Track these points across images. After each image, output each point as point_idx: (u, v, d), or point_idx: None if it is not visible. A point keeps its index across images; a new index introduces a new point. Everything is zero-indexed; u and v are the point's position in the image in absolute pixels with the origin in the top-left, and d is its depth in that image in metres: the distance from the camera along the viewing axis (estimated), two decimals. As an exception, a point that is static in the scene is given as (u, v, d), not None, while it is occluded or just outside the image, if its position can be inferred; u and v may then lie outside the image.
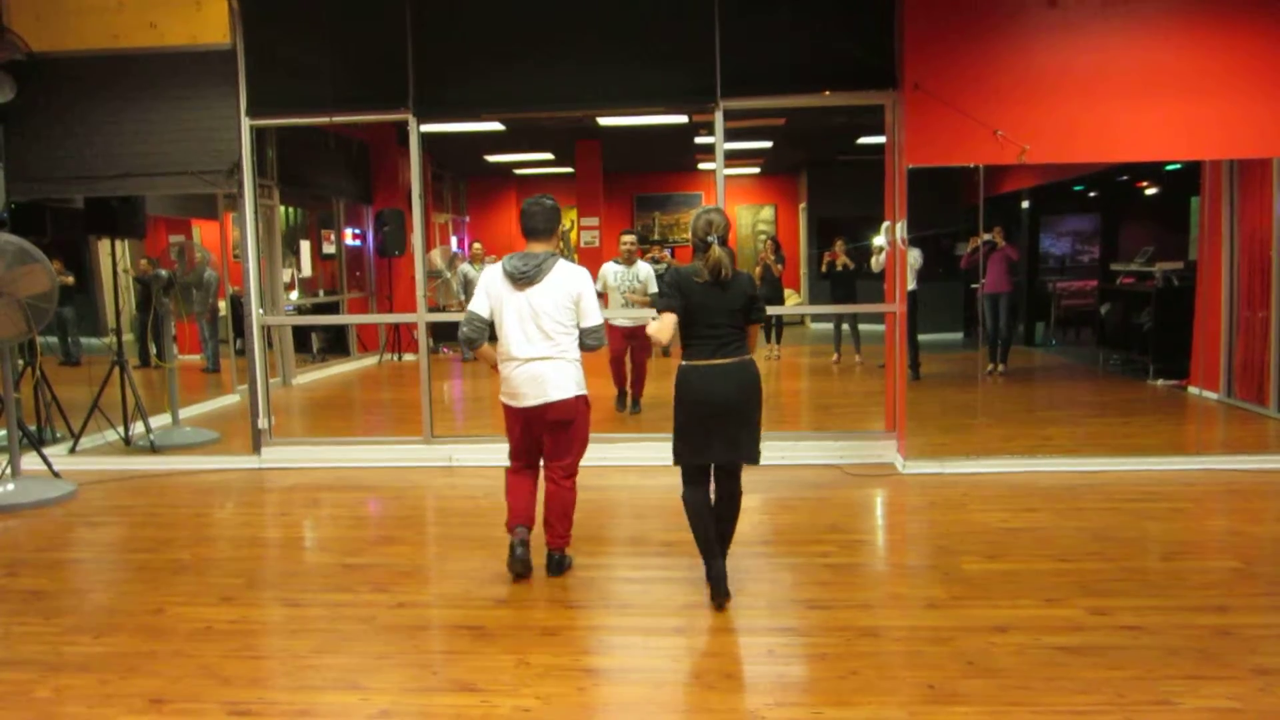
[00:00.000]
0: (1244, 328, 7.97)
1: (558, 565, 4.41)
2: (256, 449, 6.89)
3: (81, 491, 6.15)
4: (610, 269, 8.01)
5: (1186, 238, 9.70)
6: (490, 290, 4.27)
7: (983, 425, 7.32)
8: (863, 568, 4.54)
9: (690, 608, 4.07)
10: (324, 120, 6.90)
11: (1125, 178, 12.14)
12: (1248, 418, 7.58)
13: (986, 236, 9.98)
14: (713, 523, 4.06)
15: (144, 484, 6.41)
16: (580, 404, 4.32)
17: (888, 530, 5.29)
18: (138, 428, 7.31)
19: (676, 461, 4.08)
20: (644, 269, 7.99)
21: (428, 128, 6.78)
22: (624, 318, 7.80)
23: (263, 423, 6.87)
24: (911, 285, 10.84)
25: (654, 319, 3.97)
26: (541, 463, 4.50)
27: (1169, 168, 10.07)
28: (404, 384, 10.60)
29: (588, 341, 4.28)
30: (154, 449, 7.10)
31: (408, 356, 12.22)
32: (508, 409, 4.35)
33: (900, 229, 6.29)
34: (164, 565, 4.72)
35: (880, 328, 7.06)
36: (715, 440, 3.97)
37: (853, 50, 6.34)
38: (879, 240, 8.58)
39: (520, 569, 4.31)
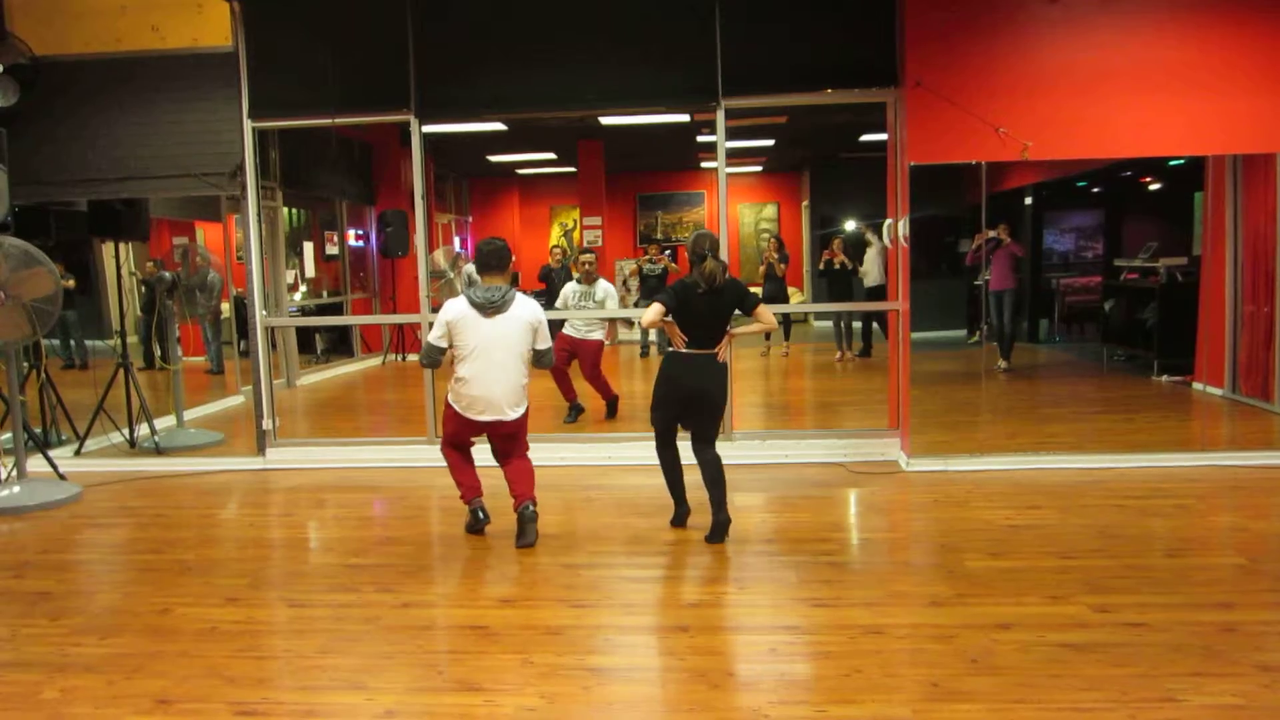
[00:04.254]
0: (1248, 323, 7.95)
1: (534, 514, 4.89)
2: (261, 450, 6.90)
3: (87, 493, 6.17)
4: (570, 289, 8.07)
5: (1190, 233, 9.68)
6: (453, 321, 4.79)
7: (986, 422, 7.31)
8: (866, 566, 4.54)
9: (694, 606, 4.08)
10: (326, 122, 6.91)
11: (1129, 174, 12.12)
12: (1252, 414, 7.56)
13: (992, 234, 9.98)
14: (681, 474, 4.98)
15: (149, 485, 6.43)
16: (525, 417, 4.98)
17: (891, 528, 5.29)
18: (142, 429, 7.32)
19: (653, 424, 4.93)
20: (603, 288, 8.04)
21: (430, 128, 6.79)
22: (571, 328, 7.98)
23: (267, 424, 6.89)
24: (878, 280, 10.85)
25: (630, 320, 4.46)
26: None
27: (1172, 163, 10.05)
28: (408, 385, 10.61)
29: (543, 361, 4.98)
30: (159, 451, 7.12)
31: (411, 357, 12.24)
32: (456, 414, 4.90)
33: (903, 226, 6.28)
34: (169, 566, 4.74)
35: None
36: (686, 413, 4.87)
37: (854, 48, 6.34)
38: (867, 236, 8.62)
39: (483, 526, 5.04)
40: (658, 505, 5.28)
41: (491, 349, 4.76)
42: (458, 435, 5.01)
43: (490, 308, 4.76)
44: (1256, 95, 5.92)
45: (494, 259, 4.87)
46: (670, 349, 4.85)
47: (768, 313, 4.85)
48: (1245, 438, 7.01)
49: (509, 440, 4.98)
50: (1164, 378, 9.12)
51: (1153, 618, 3.74)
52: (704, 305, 4.69)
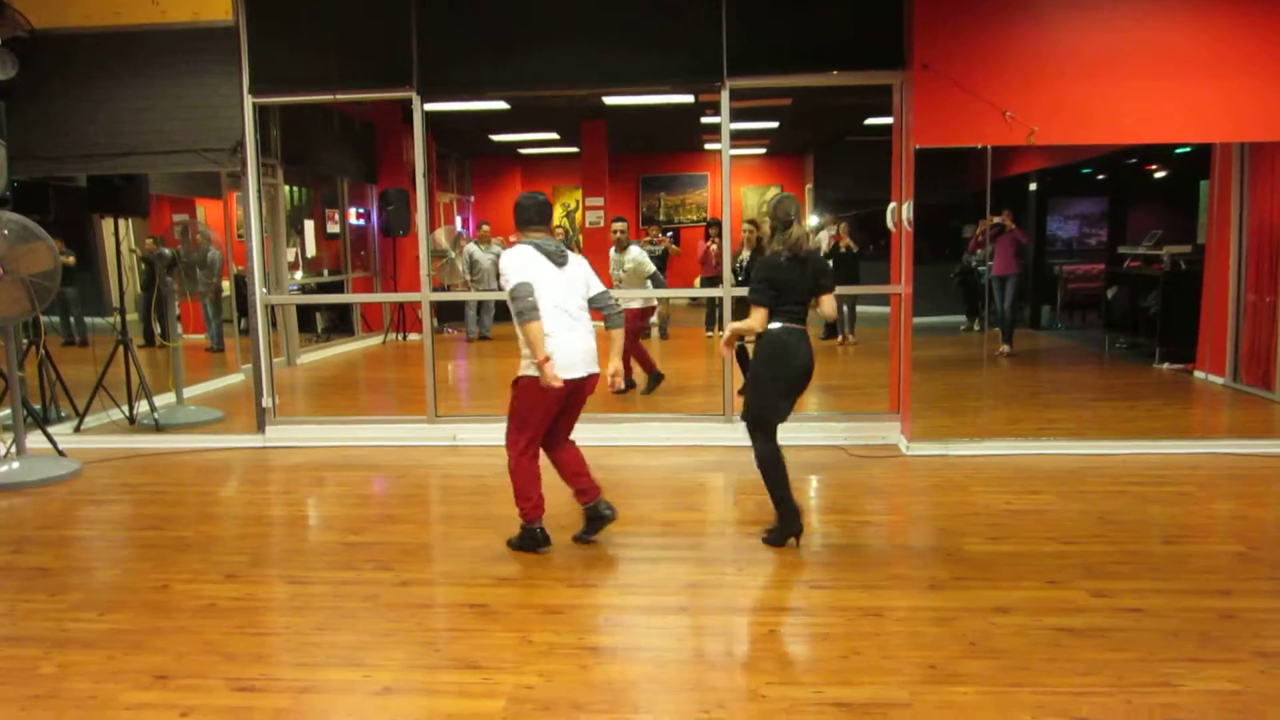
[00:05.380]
0: (1251, 313, 7.93)
1: (611, 508, 4.53)
2: (261, 428, 6.90)
3: (86, 470, 6.17)
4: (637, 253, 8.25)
5: (1195, 221, 9.64)
6: (531, 270, 4.31)
7: (987, 408, 7.31)
8: (865, 549, 4.54)
9: (693, 586, 4.08)
10: (327, 98, 6.86)
11: (1134, 161, 12.06)
12: (1253, 402, 7.56)
13: (996, 219, 9.95)
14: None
15: (148, 462, 6.43)
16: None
17: (891, 511, 5.29)
18: (142, 406, 7.32)
19: (767, 418, 4.43)
20: (634, 253, 8.23)
21: (432, 106, 6.75)
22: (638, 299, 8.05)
23: (267, 402, 6.88)
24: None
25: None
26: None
27: (1178, 151, 10.00)
28: (408, 363, 10.60)
29: (606, 308, 4.51)
30: (158, 428, 7.12)
31: (412, 336, 12.22)
32: (549, 389, 4.28)
33: (906, 210, 6.25)
34: (168, 543, 4.74)
35: (885, 310, 7.03)
36: (791, 400, 4.47)
37: (860, 30, 6.29)
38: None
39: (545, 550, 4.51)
40: (657, 485, 5.28)
41: (569, 299, 4.38)
42: (544, 416, 4.42)
43: (560, 257, 4.41)
44: (1264, 84, 5.87)
45: (541, 212, 4.52)
46: (773, 327, 4.37)
47: (831, 303, 4.56)
48: (1246, 426, 7.01)
49: (583, 399, 4.53)
50: (1165, 365, 9.10)
51: (1150, 603, 3.74)
52: (795, 276, 4.36)
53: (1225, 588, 3.92)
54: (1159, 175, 12.34)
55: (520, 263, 4.33)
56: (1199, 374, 8.57)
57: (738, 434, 6.46)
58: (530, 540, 4.48)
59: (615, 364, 4.49)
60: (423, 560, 4.48)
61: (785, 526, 4.45)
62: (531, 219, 4.49)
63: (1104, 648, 3.37)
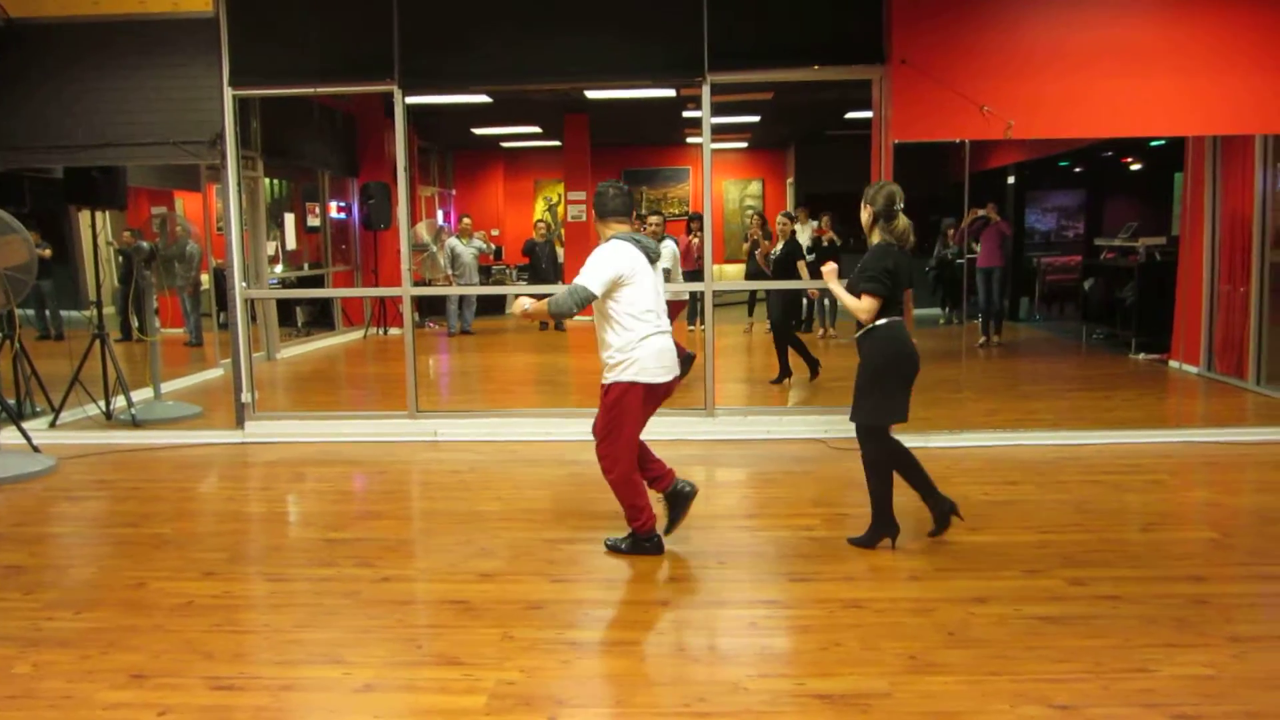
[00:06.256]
0: (1224, 303, 8.02)
1: (692, 485, 4.38)
2: (240, 423, 6.86)
3: (62, 466, 6.11)
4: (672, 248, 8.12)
5: (1169, 214, 9.74)
6: (624, 267, 4.06)
7: (967, 399, 7.35)
8: (846, 541, 4.56)
9: (674, 581, 4.09)
10: (308, 91, 6.81)
11: (1110, 154, 12.15)
12: (1227, 391, 7.65)
13: (981, 212, 10.02)
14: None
15: (125, 458, 6.38)
16: None
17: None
18: (119, 402, 7.26)
19: (885, 421, 4.29)
20: (669, 247, 8.02)
21: (414, 100, 6.71)
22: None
23: (246, 397, 6.84)
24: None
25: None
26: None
27: (1153, 144, 10.08)
28: (389, 358, 10.56)
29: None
30: (135, 423, 7.06)
31: (393, 331, 12.17)
32: (648, 390, 4.14)
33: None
34: (145, 540, 4.70)
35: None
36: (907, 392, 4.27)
37: (840, 25, 6.31)
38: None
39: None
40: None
41: (659, 299, 4.19)
42: (639, 421, 4.21)
43: (652, 254, 4.18)
44: (1236, 78, 5.94)
45: (624, 202, 4.24)
46: (885, 320, 4.17)
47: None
48: (1219, 414, 7.09)
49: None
50: (1141, 355, 9.19)
51: (1127, 590, 3.78)
52: (903, 266, 4.18)
53: (1199, 574, 3.97)
54: (1134, 168, 12.44)
55: (610, 257, 4.04)
56: (1174, 364, 8.67)
57: (718, 427, 6.50)
58: (638, 548, 4.31)
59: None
60: (404, 556, 4.47)
61: (881, 528, 4.34)
62: (615, 209, 4.21)
63: (1082, 635, 3.40)
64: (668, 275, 7.94)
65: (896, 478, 4.33)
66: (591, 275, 4.03)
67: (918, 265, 11.05)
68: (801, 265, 8.48)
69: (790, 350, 8.31)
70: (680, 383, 4.35)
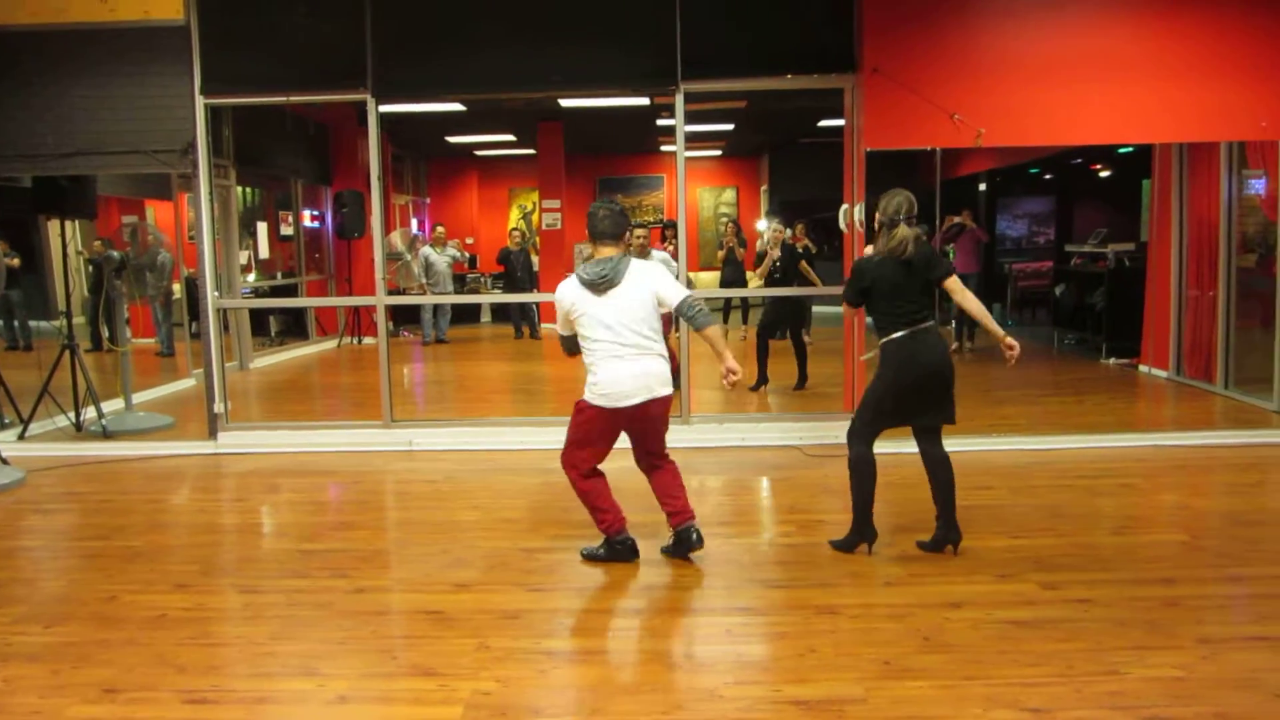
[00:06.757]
0: (1192, 307, 8.14)
1: (699, 536, 4.26)
2: (212, 434, 6.80)
3: (31, 478, 6.03)
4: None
5: (1138, 219, 9.87)
6: (567, 305, 4.21)
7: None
8: (821, 547, 4.57)
9: (650, 589, 4.09)
10: (280, 100, 6.77)
11: (1079, 161, 12.30)
12: (1196, 395, 7.75)
13: (956, 219, 10.12)
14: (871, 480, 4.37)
15: (96, 470, 6.30)
16: (670, 398, 4.29)
17: (845, 510, 5.29)
18: (89, 413, 7.17)
19: (867, 423, 4.35)
20: (658, 258, 7.91)
21: (387, 108, 6.69)
22: None
23: (219, 407, 6.78)
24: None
25: None
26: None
27: (1121, 151, 10.22)
28: (363, 368, 10.51)
29: (690, 315, 4.15)
30: (106, 434, 6.98)
31: (367, 340, 12.11)
32: (599, 411, 4.19)
33: (858, 212, 6.32)
34: (117, 552, 4.65)
35: (839, 309, 7.10)
36: (925, 403, 4.26)
37: (812, 34, 6.36)
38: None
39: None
40: (615, 488, 5.26)
41: (616, 328, 4.13)
42: (599, 438, 4.29)
43: (601, 284, 4.13)
44: (1201, 85, 6.04)
45: (615, 223, 4.23)
46: (886, 339, 4.24)
47: (961, 293, 4.28)
48: (1189, 418, 7.18)
49: (657, 423, 4.29)
50: (1112, 360, 9.31)
51: (1098, 594, 3.82)
52: (894, 277, 4.17)
53: (1170, 576, 4.03)
54: (1103, 175, 12.60)
55: (557, 299, 4.23)
56: (1144, 368, 8.79)
57: (694, 435, 6.51)
58: (612, 552, 4.32)
59: (727, 362, 4.18)
60: (378, 567, 4.45)
61: (859, 532, 4.40)
62: (600, 231, 4.21)
63: (1054, 639, 3.44)
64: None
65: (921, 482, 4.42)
66: (558, 317, 4.31)
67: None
68: (806, 267, 8.54)
69: (790, 355, 8.37)
70: (663, 405, 4.25)
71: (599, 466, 4.37)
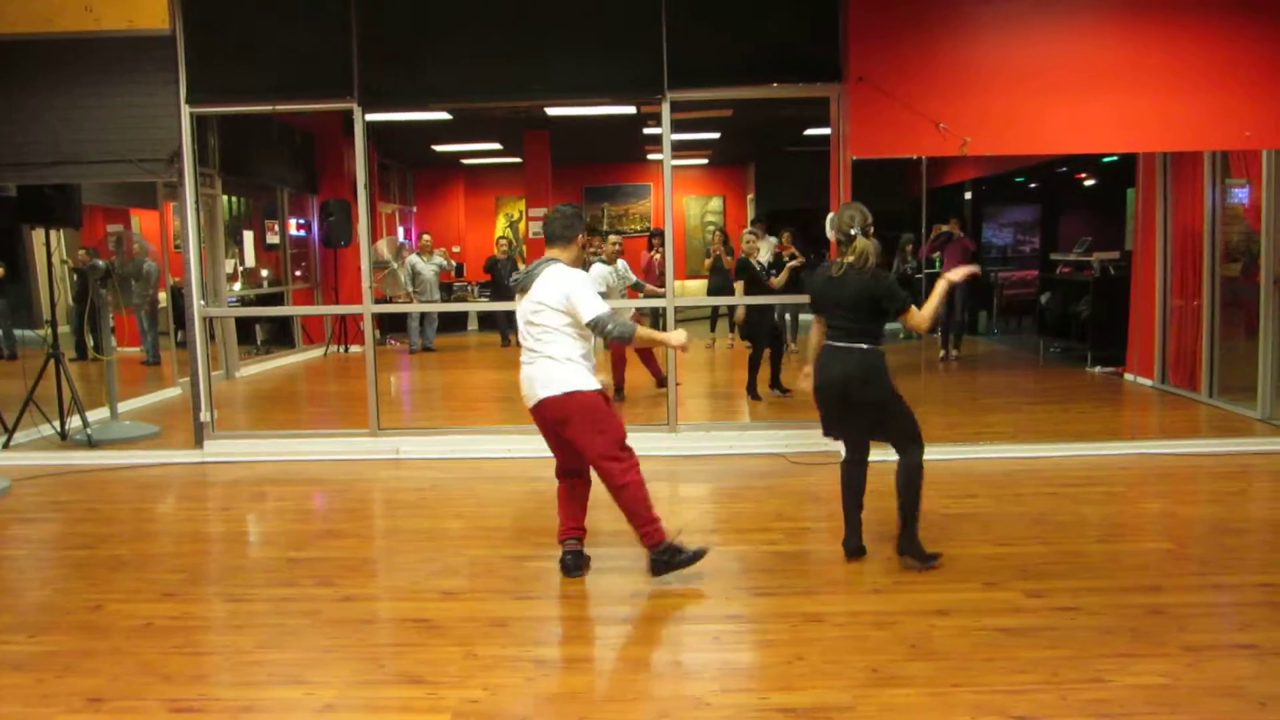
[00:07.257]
0: (1177, 316, 8.20)
1: (657, 564, 4.16)
2: (198, 443, 6.76)
3: (15, 487, 5.99)
4: (602, 270, 8.25)
5: (1123, 228, 9.93)
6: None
7: (926, 413, 7.37)
8: (808, 555, 4.60)
9: (637, 597, 4.09)
10: (266, 109, 6.76)
11: (1064, 169, 12.37)
12: (1180, 403, 7.81)
13: (944, 228, 10.18)
14: (855, 495, 4.44)
15: (81, 479, 6.26)
16: (569, 401, 4.10)
17: (831, 518, 5.33)
18: (74, 422, 7.12)
19: (826, 435, 4.59)
20: (620, 266, 8.41)
21: (373, 117, 6.69)
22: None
23: (205, 416, 6.75)
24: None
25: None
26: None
27: (1105, 160, 10.29)
28: (350, 376, 10.48)
29: (603, 334, 4.08)
30: (91, 443, 6.93)
31: (354, 348, 12.07)
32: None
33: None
34: (102, 561, 4.62)
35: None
36: (849, 416, 4.37)
37: (798, 43, 6.40)
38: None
39: (568, 572, 4.29)
40: (603, 497, 5.26)
41: (526, 327, 4.20)
42: (553, 447, 4.40)
43: (519, 286, 4.24)
44: (1185, 95, 6.09)
45: (566, 224, 4.23)
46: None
47: (916, 317, 4.27)
48: (1173, 427, 7.22)
49: (562, 429, 4.19)
50: (1097, 369, 9.36)
51: (1084, 602, 3.84)
52: (829, 291, 4.25)
53: (1155, 584, 4.05)
54: (1088, 183, 12.68)
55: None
56: (1129, 376, 8.84)
57: (681, 443, 6.52)
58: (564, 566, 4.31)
59: (671, 342, 4.35)
60: (366, 575, 4.44)
61: (849, 537, 4.47)
62: (549, 234, 4.26)
63: (1040, 646, 3.46)
64: (606, 295, 8.00)
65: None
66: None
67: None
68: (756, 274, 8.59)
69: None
70: (555, 408, 4.14)
71: (580, 473, 4.40)
